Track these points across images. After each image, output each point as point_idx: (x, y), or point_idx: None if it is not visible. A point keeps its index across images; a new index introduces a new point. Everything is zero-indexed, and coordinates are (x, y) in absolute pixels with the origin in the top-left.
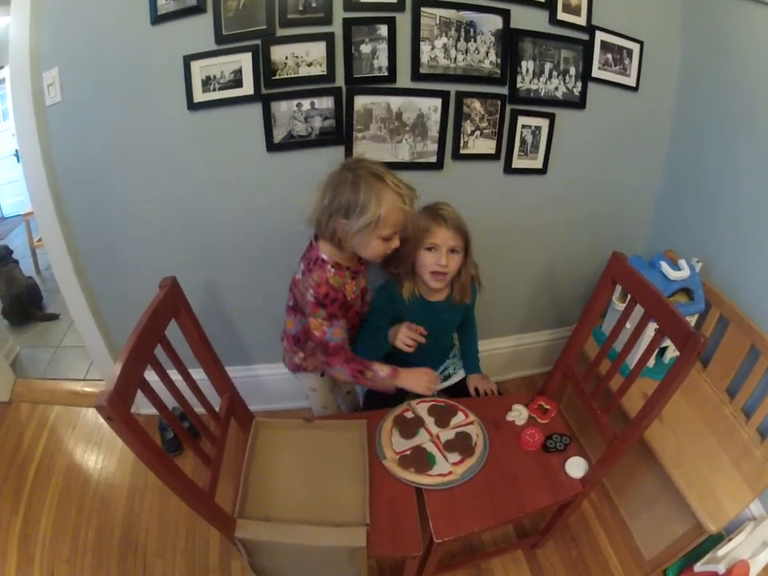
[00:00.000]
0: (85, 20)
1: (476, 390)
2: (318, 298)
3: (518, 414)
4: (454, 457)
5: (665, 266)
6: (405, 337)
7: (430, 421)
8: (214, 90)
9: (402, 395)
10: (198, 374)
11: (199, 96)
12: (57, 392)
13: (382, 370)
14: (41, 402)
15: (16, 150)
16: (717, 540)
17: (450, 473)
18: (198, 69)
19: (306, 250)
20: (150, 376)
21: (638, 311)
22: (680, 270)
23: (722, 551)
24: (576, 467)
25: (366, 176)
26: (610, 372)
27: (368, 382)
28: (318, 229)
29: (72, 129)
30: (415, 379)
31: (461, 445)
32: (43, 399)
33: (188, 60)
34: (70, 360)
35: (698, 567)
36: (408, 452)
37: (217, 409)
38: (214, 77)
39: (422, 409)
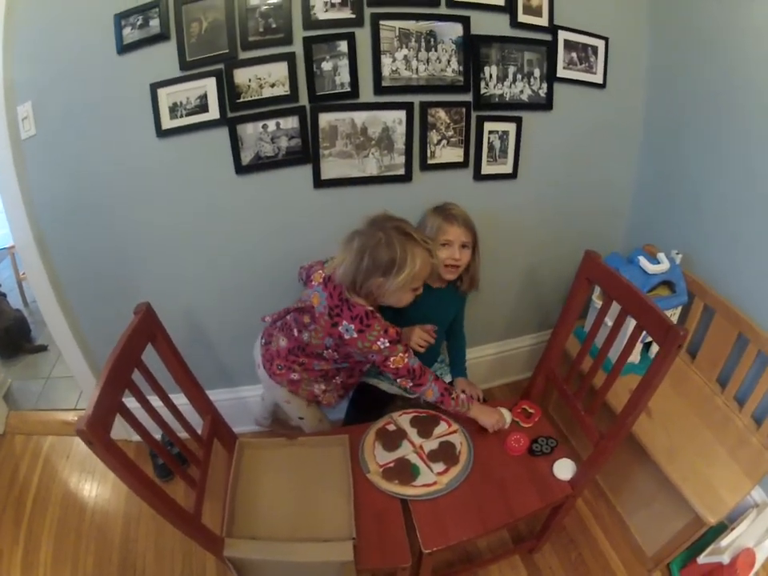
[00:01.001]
0: (55, 52)
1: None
2: (392, 339)
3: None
4: (439, 466)
5: (643, 261)
6: (418, 338)
7: (412, 432)
8: (181, 116)
9: (382, 407)
10: (180, 399)
11: (167, 123)
12: (49, 422)
13: (462, 394)
14: (34, 434)
15: None
16: (720, 530)
17: (435, 482)
18: (165, 96)
19: (340, 309)
20: (133, 403)
21: (616, 307)
22: (659, 263)
23: (725, 541)
24: (564, 469)
25: (398, 235)
26: (592, 369)
27: (451, 405)
28: (351, 287)
29: (48, 161)
30: (487, 414)
31: (445, 454)
32: (36, 430)
33: (154, 87)
34: (61, 390)
35: (702, 559)
36: (391, 464)
37: (199, 431)
38: (181, 103)
39: (404, 420)
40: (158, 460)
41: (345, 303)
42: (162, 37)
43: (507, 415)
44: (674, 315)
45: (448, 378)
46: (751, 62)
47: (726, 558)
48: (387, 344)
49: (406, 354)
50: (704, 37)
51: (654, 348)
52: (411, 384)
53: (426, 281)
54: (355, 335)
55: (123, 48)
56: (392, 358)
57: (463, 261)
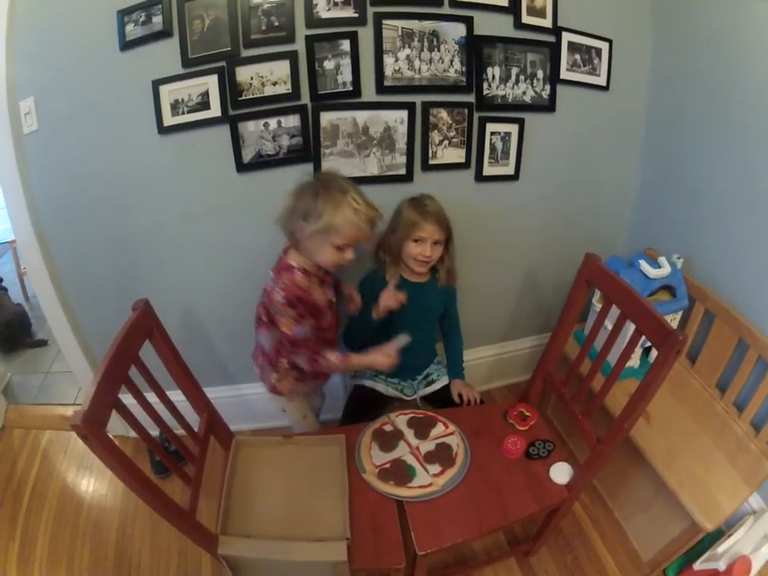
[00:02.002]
0: (58, 48)
1: (459, 396)
2: (288, 298)
3: None
4: (435, 468)
5: (644, 265)
6: (387, 297)
7: (409, 433)
8: (183, 113)
9: (378, 409)
10: (177, 396)
11: (169, 120)
12: (48, 417)
13: (332, 356)
14: (33, 428)
15: None
16: (716, 536)
17: (431, 484)
18: (167, 93)
19: (276, 263)
20: (131, 399)
21: (615, 311)
22: (660, 267)
23: (721, 548)
24: (560, 473)
25: (331, 188)
26: (591, 372)
27: (324, 367)
28: (281, 226)
29: (50, 157)
30: (372, 359)
31: (441, 456)
32: (35, 425)
33: (156, 84)
34: (60, 385)
35: (698, 565)
36: (387, 465)
37: (196, 429)
38: (182, 100)
39: (401, 421)
40: (155, 457)
41: (279, 258)
42: (164, 34)
43: (405, 338)
44: (674, 320)
45: (444, 381)
46: (751, 60)
47: (722, 565)
48: (282, 299)
49: (295, 325)
50: (706, 37)
51: (654, 352)
52: (290, 348)
53: (352, 243)
54: (270, 284)
55: (126, 45)
56: (282, 320)
57: (434, 257)
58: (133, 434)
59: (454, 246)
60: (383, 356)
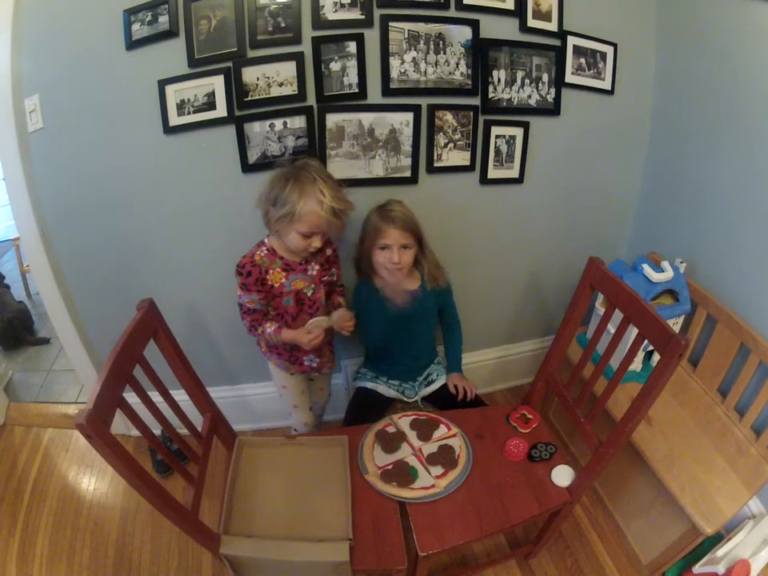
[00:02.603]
0: (63, 47)
1: (456, 388)
2: (238, 266)
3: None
4: (437, 470)
5: (647, 269)
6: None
7: (412, 434)
8: (189, 113)
9: (380, 411)
10: (180, 396)
11: (174, 119)
12: (49, 415)
13: (269, 327)
14: (34, 425)
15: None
16: (716, 540)
17: (433, 486)
18: (173, 92)
19: None
20: (134, 398)
21: (618, 315)
22: (663, 271)
23: (721, 551)
24: (562, 476)
25: (302, 177)
26: (593, 376)
27: (260, 337)
28: (259, 207)
29: (54, 155)
30: (298, 334)
31: (444, 458)
32: (36, 422)
33: (162, 84)
34: (62, 383)
35: (697, 569)
36: (390, 466)
37: (199, 428)
38: (188, 100)
39: (403, 423)
40: (157, 455)
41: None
42: (170, 34)
43: (324, 320)
44: (676, 324)
45: (443, 380)
46: (755, 68)
47: (721, 569)
48: (236, 266)
49: (240, 291)
50: (710, 44)
51: (656, 356)
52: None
53: (316, 231)
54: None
55: (132, 44)
56: (238, 284)
57: (404, 261)
58: (134, 432)
59: (429, 247)
60: (305, 335)
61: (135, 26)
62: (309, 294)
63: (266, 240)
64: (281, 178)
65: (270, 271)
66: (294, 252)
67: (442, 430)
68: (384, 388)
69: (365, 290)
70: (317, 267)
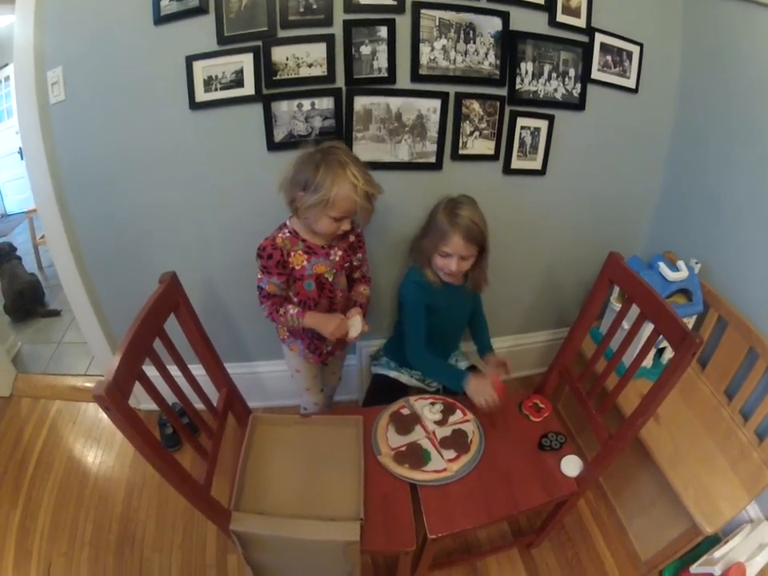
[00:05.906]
0: (88, 19)
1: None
2: (259, 249)
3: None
4: (450, 453)
5: (663, 267)
6: (484, 397)
7: (429, 417)
8: (216, 89)
9: (403, 395)
10: (197, 370)
11: (201, 96)
12: (57, 387)
13: (292, 309)
14: (41, 397)
15: (20, 148)
16: (713, 542)
17: (445, 469)
18: (200, 69)
19: None
20: (149, 371)
21: (634, 311)
22: (678, 271)
23: (718, 553)
24: (571, 466)
25: (332, 161)
26: (606, 371)
27: (280, 321)
28: (283, 191)
29: (76, 127)
30: (322, 322)
31: (456, 442)
32: (44, 394)
33: (190, 60)
34: (71, 356)
35: (694, 569)
36: (403, 448)
37: (215, 404)
38: (216, 77)
39: (419, 406)
40: (167, 430)
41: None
42: (200, 10)
43: (358, 323)
44: (688, 324)
45: (463, 365)
46: None
47: (717, 570)
48: (257, 249)
49: (260, 274)
50: (732, 56)
51: (667, 354)
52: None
53: (348, 215)
54: None
55: (160, 19)
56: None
57: (462, 269)
58: (143, 406)
59: (488, 258)
60: (334, 325)
61: (164, 2)
62: (330, 279)
63: (287, 222)
64: (309, 163)
65: (292, 253)
66: (320, 235)
67: (457, 415)
68: (406, 377)
69: (417, 284)
70: (339, 253)
